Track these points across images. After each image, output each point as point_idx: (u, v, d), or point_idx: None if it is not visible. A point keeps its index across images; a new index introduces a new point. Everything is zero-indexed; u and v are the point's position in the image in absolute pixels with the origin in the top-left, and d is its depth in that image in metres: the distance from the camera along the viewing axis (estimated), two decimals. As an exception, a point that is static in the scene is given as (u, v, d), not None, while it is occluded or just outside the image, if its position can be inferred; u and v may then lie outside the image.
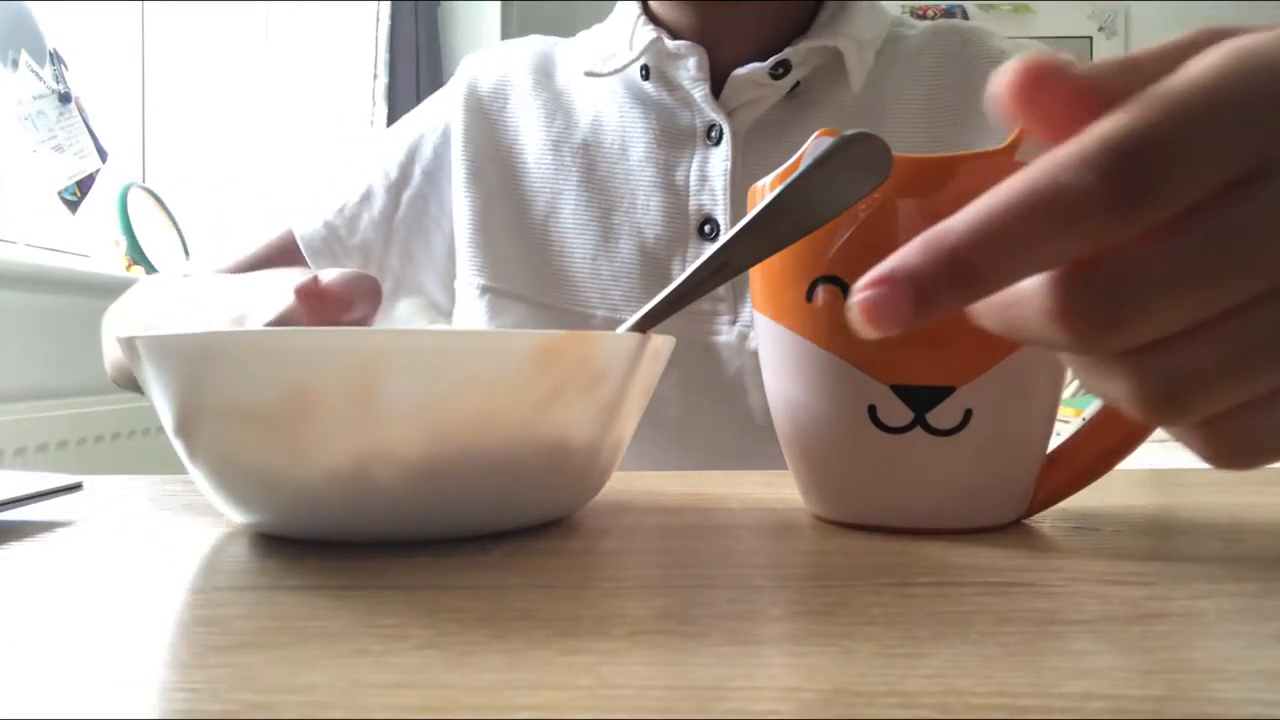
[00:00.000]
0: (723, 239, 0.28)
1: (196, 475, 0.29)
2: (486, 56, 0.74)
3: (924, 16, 3.21)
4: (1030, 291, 0.19)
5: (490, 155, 0.69)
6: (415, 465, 0.26)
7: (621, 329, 0.31)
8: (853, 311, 0.19)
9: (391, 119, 2.38)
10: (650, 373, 0.31)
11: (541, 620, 0.21)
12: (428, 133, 0.73)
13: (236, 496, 0.29)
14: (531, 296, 0.65)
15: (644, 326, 0.31)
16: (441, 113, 0.73)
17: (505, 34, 2.65)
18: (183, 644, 0.19)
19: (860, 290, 0.19)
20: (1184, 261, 0.18)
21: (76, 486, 0.36)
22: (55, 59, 1.51)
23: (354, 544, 0.29)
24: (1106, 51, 3.12)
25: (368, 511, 0.27)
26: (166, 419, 0.29)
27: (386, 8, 2.41)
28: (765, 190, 0.32)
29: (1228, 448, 0.20)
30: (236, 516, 0.30)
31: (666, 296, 0.30)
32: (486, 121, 0.70)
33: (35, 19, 1.48)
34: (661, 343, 0.31)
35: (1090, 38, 3.12)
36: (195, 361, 0.26)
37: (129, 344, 0.28)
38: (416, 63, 2.47)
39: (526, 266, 0.66)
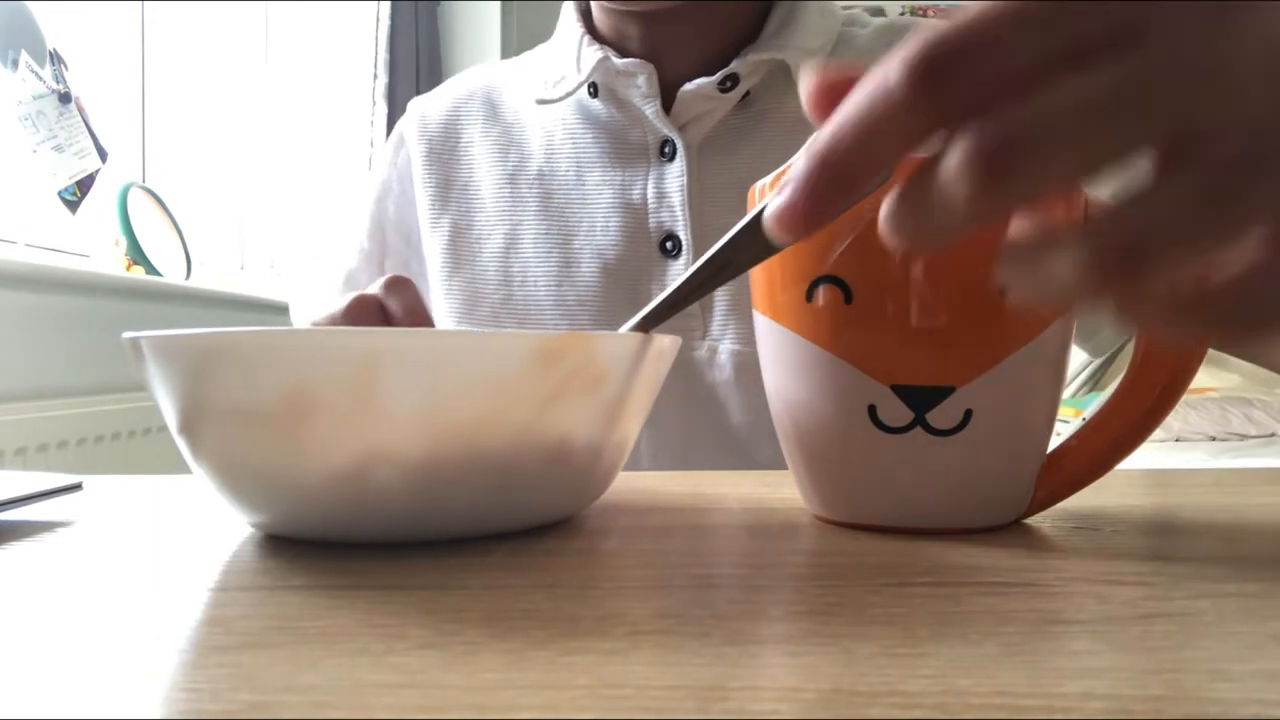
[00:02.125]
0: (725, 238, 0.27)
1: (200, 475, 0.29)
2: (430, 99, 0.74)
3: (924, 16, 3.20)
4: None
5: (447, 197, 0.69)
6: (416, 466, 0.26)
7: (624, 329, 0.31)
8: (767, 224, 0.22)
9: (391, 119, 2.38)
10: (654, 373, 0.31)
11: (541, 620, 0.21)
12: (385, 193, 0.74)
13: (239, 497, 0.29)
14: (499, 329, 0.65)
15: (646, 327, 0.31)
16: (394, 167, 0.73)
17: (505, 34, 2.65)
18: (183, 644, 0.19)
19: (769, 200, 0.22)
20: (1063, 107, 0.18)
21: (76, 486, 0.36)
22: (55, 59, 1.51)
23: (354, 544, 0.29)
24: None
25: (369, 512, 0.27)
26: (170, 419, 0.29)
27: (386, 8, 2.41)
28: (766, 190, 0.32)
29: (1150, 313, 0.19)
30: (241, 516, 0.30)
31: (669, 297, 0.30)
32: (440, 163, 0.70)
33: (35, 19, 1.48)
34: (666, 343, 0.31)
35: (1090, 38, 3.11)
36: (196, 361, 0.26)
37: (133, 344, 0.28)
38: (416, 63, 2.47)
39: (491, 301, 0.66)
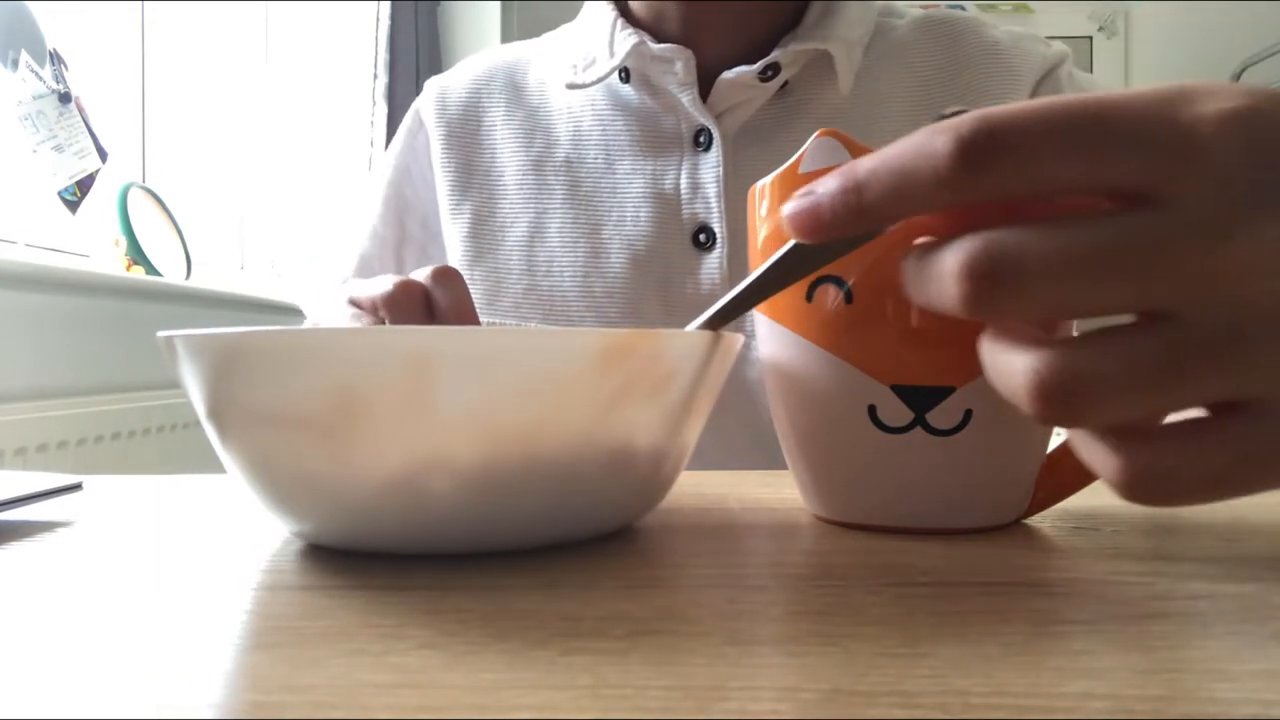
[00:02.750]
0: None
1: (240, 481, 0.28)
2: (449, 79, 0.72)
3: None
4: (939, 249, 0.21)
5: (468, 183, 0.67)
6: (472, 473, 0.25)
7: (691, 327, 0.29)
8: (782, 222, 0.23)
9: (391, 119, 2.38)
10: (719, 373, 0.29)
11: (541, 620, 0.21)
12: (402, 177, 0.72)
13: (283, 505, 0.27)
14: (523, 320, 0.64)
15: (715, 325, 0.29)
16: (411, 150, 0.71)
17: (505, 34, 2.65)
18: (183, 644, 0.19)
19: (790, 200, 0.23)
20: (1060, 248, 0.20)
21: (76, 486, 0.36)
22: (55, 59, 1.51)
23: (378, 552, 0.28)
24: (1106, 51, 3.12)
25: (422, 523, 0.26)
26: (207, 423, 0.27)
27: (386, 8, 2.41)
28: (765, 191, 0.32)
29: (1130, 475, 0.21)
30: (285, 525, 0.29)
31: (739, 294, 0.28)
32: (461, 147, 0.68)
33: (35, 19, 1.48)
34: (734, 342, 0.30)
35: (1090, 38, 3.11)
36: (235, 361, 0.25)
37: (168, 344, 0.26)
38: (416, 63, 2.47)
39: (514, 292, 0.64)
